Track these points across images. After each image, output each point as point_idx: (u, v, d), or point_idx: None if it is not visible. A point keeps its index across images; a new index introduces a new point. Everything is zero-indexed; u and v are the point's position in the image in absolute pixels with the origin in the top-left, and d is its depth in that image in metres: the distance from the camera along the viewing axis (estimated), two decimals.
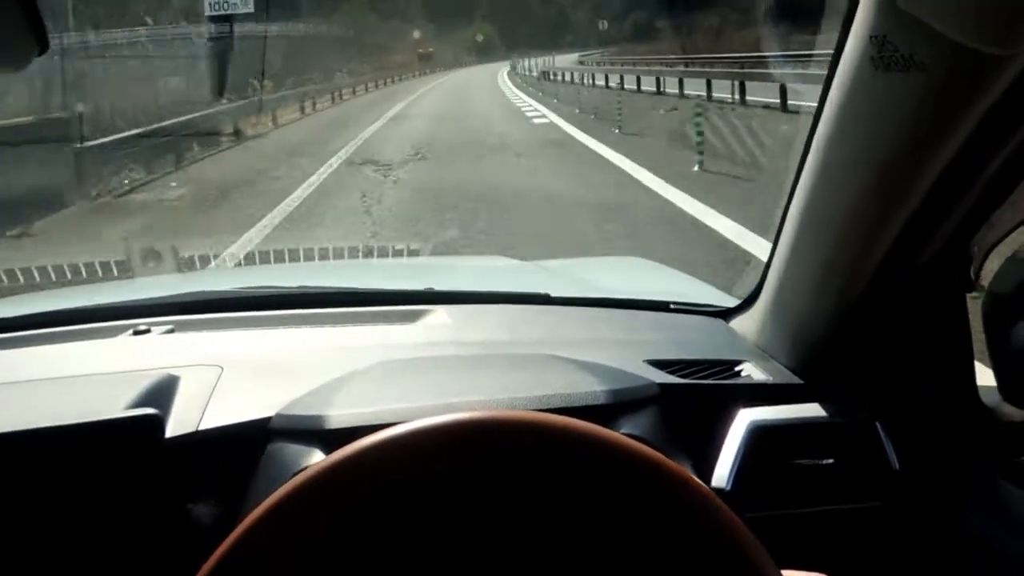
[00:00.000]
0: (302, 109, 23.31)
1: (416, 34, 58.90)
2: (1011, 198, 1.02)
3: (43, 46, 0.80)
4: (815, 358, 1.31)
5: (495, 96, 30.05)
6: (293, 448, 1.13)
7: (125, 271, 2.86)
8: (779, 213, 1.23)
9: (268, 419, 1.19)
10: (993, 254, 1.13)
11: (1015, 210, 1.04)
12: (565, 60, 45.53)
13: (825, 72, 1.03)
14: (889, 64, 0.88)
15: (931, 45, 0.83)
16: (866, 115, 0.98)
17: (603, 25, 50.27)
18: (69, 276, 3.04)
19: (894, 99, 0.92)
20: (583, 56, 52.07)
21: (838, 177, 1.07)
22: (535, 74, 39.30)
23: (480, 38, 75.82)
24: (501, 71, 51.07)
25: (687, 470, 1.15)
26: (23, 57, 0.81)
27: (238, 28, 19.20)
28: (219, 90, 17.77)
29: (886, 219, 1.04)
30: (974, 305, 1.17)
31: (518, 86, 36.06)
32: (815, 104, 1.07)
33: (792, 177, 1.17)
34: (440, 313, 1.61)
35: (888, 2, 0.84)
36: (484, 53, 73.29)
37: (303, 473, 0.87)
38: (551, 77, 35.14)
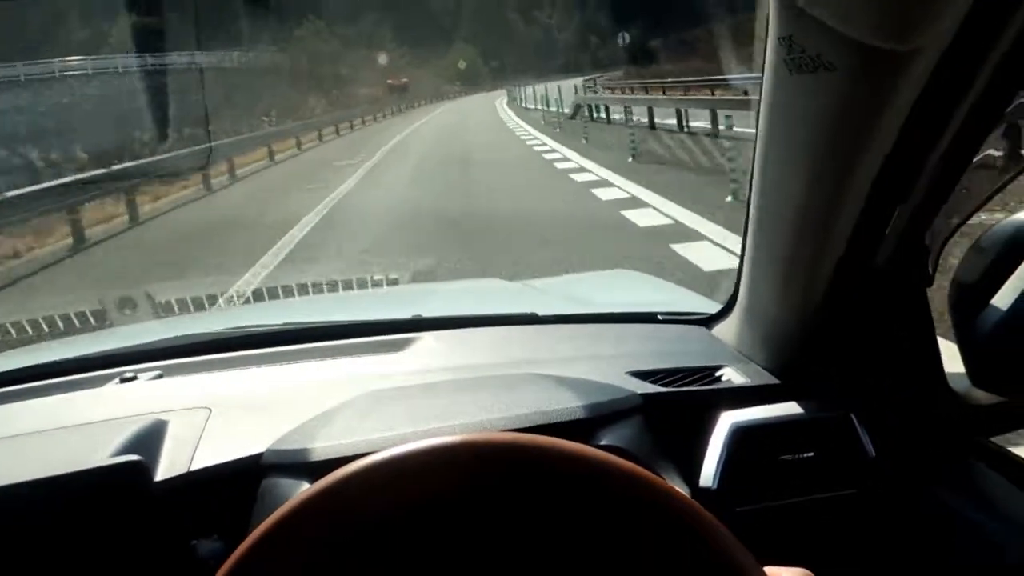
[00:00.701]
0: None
1: (382, 59, 48.51)
2: (957, 190, 1.04)
3: None
4: (790, 358, 1.34)
5: (552, 190, 12.40)
6: (286, 482, 1.15)
7: (104, 320, 2.85)
8: None
9: (259, 455, 1.21)
10: (951, 245, 1.15)
11: (964, 202, 1.07)
12: (564, 86, 32.44)
13: None
14: (800, 66, 0.89)
15: (835, 45, 0.84)
16: (788, 118, 1.00)
17: (624, 39, 42.70)
18: (46, 329, 3.02)
19: (809, 100, 0.94)
20: (588, 81, 44.14)
21: (777, 180, 1.10)
22: (553, 108, 29.21)
23: (463, 65, 67.06)
24: (498, 102, 42.92)
25: (672, 475, 1.19)
26: None
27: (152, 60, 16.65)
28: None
29: (830, 219, 1.07)
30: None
31: (554, 136, 20.87)
32: None
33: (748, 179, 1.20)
34: (428, 339, 1.63)
35: (790, 3, 0.85)
36: (469, 81, 65.06)
37: (283, 507, 0.89)
38: (595, 115, 23.81)
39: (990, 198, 1.09)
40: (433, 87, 57.62)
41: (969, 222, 1.12)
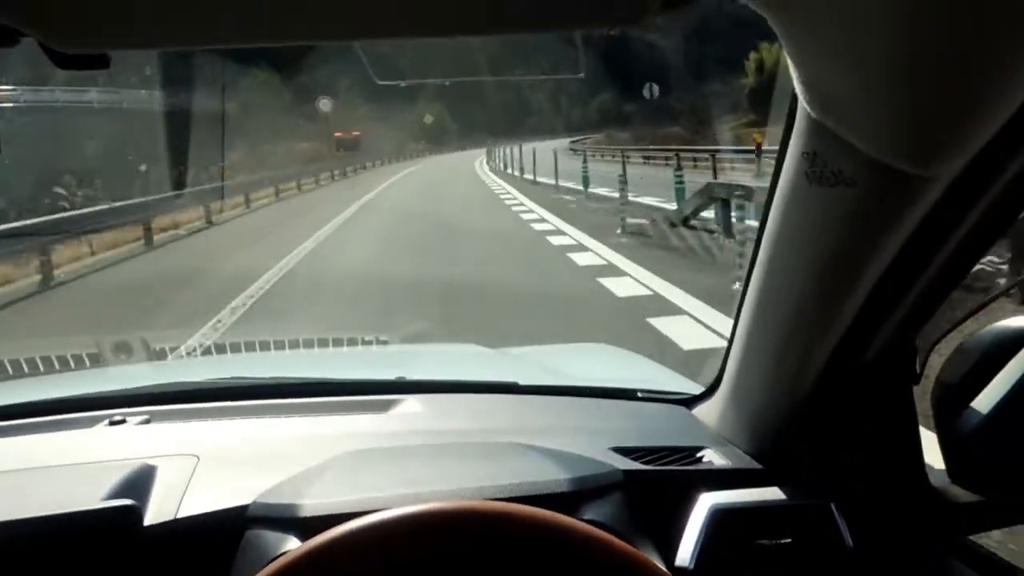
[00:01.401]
0: None
1: (323, 104, 35.07)
2: (950, 298, 1.09)
3: None
4: (772, 444, 1.36)
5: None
6: (270, 535, 1.16)
7: (96, 361, 2.82)
8: None
9: (245, 507, 1.22)
10: (939, 348, 1.19)
11: (956, 308, 1.12)
12: (541, 148, 27.05)
13: None
14: (820, 178, 0.93)
15: (857, 163, 0.87)
16: (803, 226, 1.04)
17: (652, 92, 31.04)
18: (40, 367, 3.00)
19: (824, 210, 0.98)
20: (574, 143, 42.43)
21: (782, 280, 1.13)
22: (570, 185, 19.85)
23: (429, 120, 57.90)
24: (478, 167, 33.03)
25: (650, 552, 1.21)
26: None
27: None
28: None
29: (828, 316, 1.11)
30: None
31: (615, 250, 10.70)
32: None
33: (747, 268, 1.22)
34: (411, 402, 1.65)
35: (817, 121, 0.89)
36: (435, 139, 57.68)
37: (276, 562, 0.91)
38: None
39: (982, 307, 1.14)
40: (394, 143, 49.62)
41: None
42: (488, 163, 36.38)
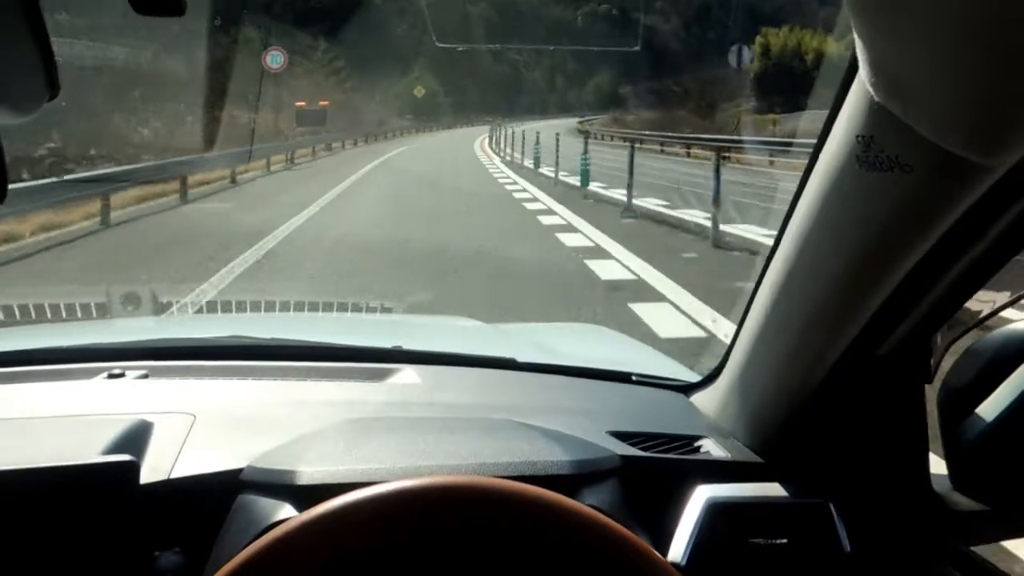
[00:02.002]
0: None
1: (273, 59, 26.35)
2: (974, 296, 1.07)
3: (55, 89, 0.76)
4: (774, 438, 1.34)
5: None
6: (264, 501, 1.15)
7: (101, 312, 2.82)
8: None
9: (239, 471, 1.21)
10: (953, 348, 1.18)
11: (975, 307, 1.10)
12: (546, 127, 24.54)
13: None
14: (874, 163, 0.91)
15: (919, 149, 0.85)
16: (846, 211, 1.01)
17: (740, 55, 27.14)
18: (48, 315, 3.01)
19: (876, 198, 0.95)
20: (583, 122, 39.63)
21: (810, 267, 1.11)
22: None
23: (420, 92, 50.75)
24: (477, 149, 27.93)
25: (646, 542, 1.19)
26: (34, 102, 0.76)
27: None
28: None
29: (852, 311, 1.08)
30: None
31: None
32: None
33: (762, 260, 1.21)
34: (408, 372, 1.65)
35: (875, 104, 0.86)
36: (424, 114, 50.92)
37: (274, 531, 0.90)
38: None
39: (1002, 309, 1.12)
40: (374, 119, 41.99)
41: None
42: (488, 142, 31.06)
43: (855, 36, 0.79)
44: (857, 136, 0.92)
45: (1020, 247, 0.99)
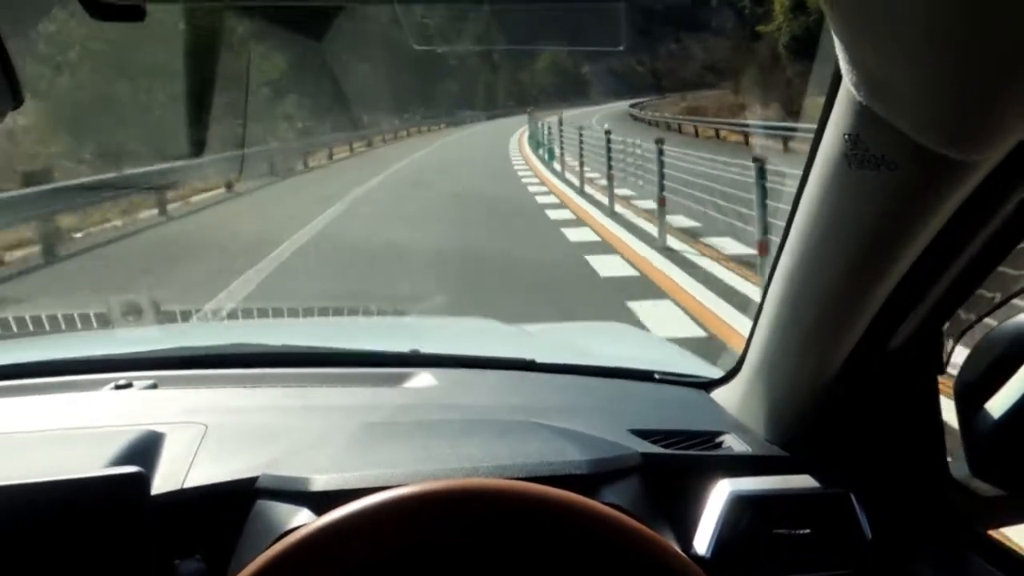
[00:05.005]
0: None
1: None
2: (980, 288, 1.07)
3: (18, 100, 0.77)
4: (793, 432, 1.35)
5: None
6: (280, 508, 1.15)
7: (104, 323, 2.82)
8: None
9: (254, 479, 1.21)
10: (965, 338, 1.18)
11: (986, 298, 1.10)
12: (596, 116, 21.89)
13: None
14: (862, 162, 0.91)
15: (902, 147, 0.86)
16: (840, 209, 1.02)
17: None
18: (47, 327, 2.98)
19: (866, 195, 0.96)
20: (634, 104, 36.01)
21: (813, 264, 1.11)
22: None
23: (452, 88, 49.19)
24: (515, 165, 20.77)
25: (667, 538, 1.20)
26: None
27: None
28: None
29: (858, 301, 1.09)
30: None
31: None
32: None
33: (774, 254, 1.22)
34: (425, 376, 1.63)
35: (860, 103, 0.87)
36: (458, 107, 49.06)
37: (296, 532, 0.90)
38: None
39: (1011, 298, 1.12)
40: (391, 110, 37.61)
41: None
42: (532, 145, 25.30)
43: (834, 37, 0.79)
44: (844, 135, 0.93)
45: (1019, 241, 1.00)
